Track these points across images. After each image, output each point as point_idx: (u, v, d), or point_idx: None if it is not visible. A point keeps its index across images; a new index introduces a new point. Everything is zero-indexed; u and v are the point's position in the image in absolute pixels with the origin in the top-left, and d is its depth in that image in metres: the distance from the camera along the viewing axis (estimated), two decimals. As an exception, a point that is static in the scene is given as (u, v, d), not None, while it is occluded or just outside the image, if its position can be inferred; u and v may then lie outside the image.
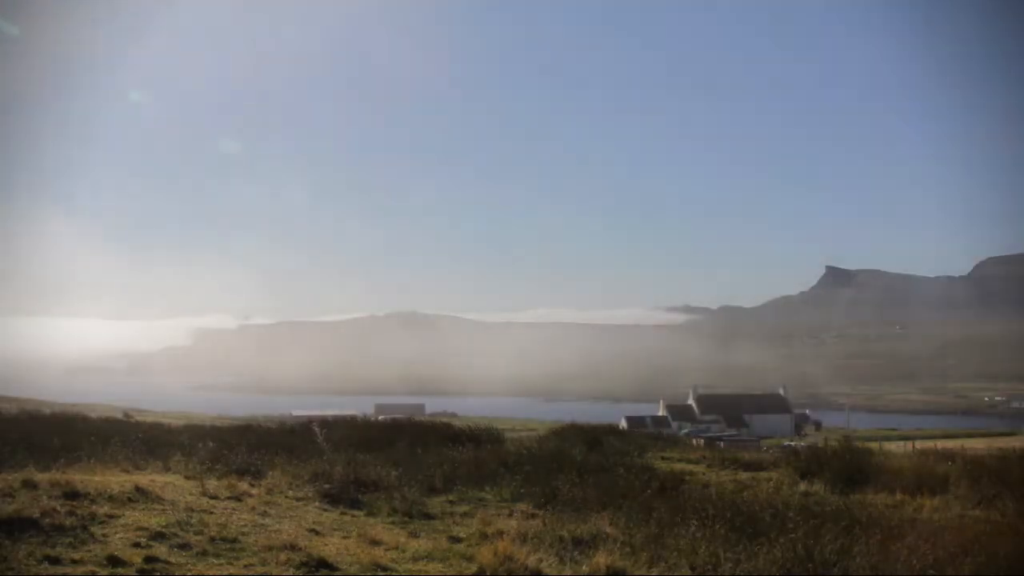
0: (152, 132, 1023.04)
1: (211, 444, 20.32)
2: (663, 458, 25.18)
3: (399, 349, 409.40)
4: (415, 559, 10.53)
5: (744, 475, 21.18)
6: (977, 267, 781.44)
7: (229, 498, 13.28)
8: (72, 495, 11.67)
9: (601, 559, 10.17)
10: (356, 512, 13.77)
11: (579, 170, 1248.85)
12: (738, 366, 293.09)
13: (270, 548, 10.19)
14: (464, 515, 14.21)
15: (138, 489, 12.59)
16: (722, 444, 46.62)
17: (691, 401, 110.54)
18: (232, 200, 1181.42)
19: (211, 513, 11.96)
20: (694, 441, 45.04)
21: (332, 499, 14.40)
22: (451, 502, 15.53)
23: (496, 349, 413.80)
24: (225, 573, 9.25)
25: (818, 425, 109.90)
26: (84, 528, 10.23)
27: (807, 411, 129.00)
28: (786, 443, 60.58)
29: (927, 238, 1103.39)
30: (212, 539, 10.45)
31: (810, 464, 20.44)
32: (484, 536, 11.87)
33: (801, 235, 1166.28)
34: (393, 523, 13.08)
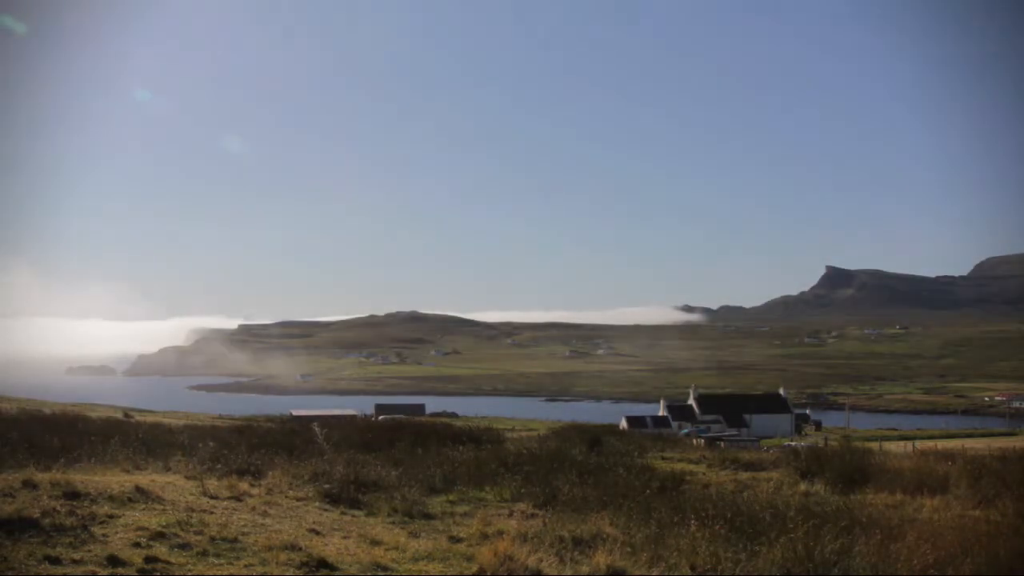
0: (155, 131, 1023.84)
1: (211, 444, 20.36)
2: (663, 458, 25.22)
3: (400, 349, 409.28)
4: (415, 559, 10.54)
5: (744, 475, 21.20)
6: (977, 267, 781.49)
7: (229, 498, 13.29)
8: (72, 495, 11.68)
9: (601, 559, 10.18)
10: (356, 512, 13.77)
11: (579, 170, 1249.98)
12: (738, 366, 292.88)
13: (270, 548, 10.19)
14: (464, 515, 14.22)
15: (138, 489, 12.61)
16: (722, 444, 46.71)
17: (691, 401, 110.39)
18: (233, 200, 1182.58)
19: (211, 513, 11.97)
20: (694, 441, 45.13)
21: (332, 499, 14.41)
22: (451, 502, 15.54)
23: (496, 349, 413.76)
24: (225, 573, 9.26)
25: (818, 425, 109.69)
26: (84, 528, 10.24)
27: (807, 411, 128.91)
28: (786, 443, 60.61)
29: (927, 238, 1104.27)
30: (212, 539, 10.45)
31: (810, 464, 20.46)
32: (484, 536, 11.88)
33: (801, 235, 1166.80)
34: (393, 523, 13.09)
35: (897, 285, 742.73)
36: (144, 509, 11.64)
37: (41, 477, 12.59)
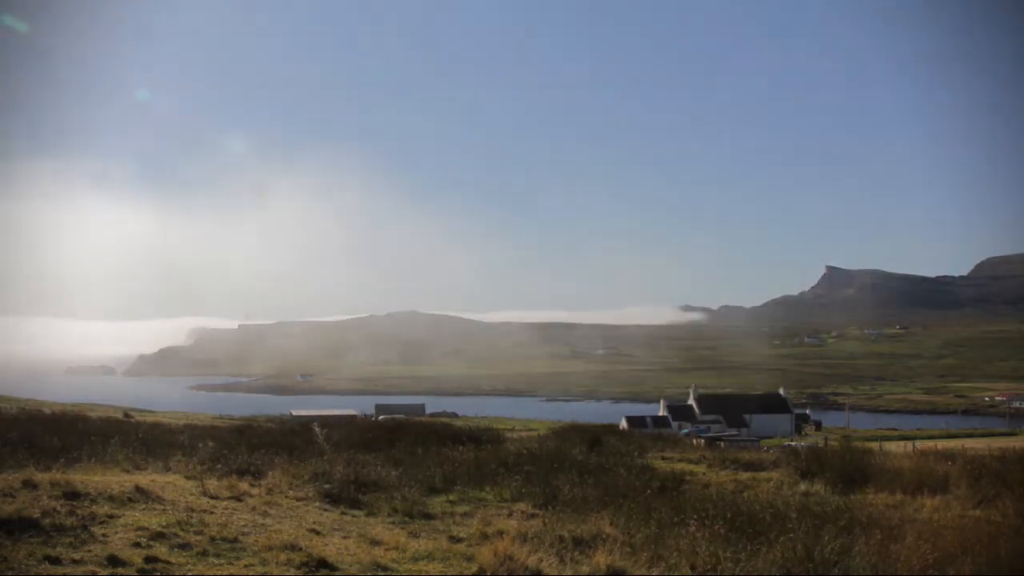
0: (156, 131, 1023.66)
1: (211, 444, 20.35)
2: (663, 458, 25.22)
3: (400, 349, 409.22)
4: (415, 559, 10.53)
5: (744, 475, 21.20)
6: (977, 267, 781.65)
7: (229, 498, 13.29)
8: (72, 495, 11.68)
9: (601, 559, 10.17)
10: (356, 512, 13.77)
11: (579, 170, 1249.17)
12: (738, 366, 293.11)
13: (270, 548, 10.19)
14: (464, 515, 14.22)
15: (138, 489, 12.61)
16: (722, 444, 46.71)
17: (691, 401, 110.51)
18: (233, 199, 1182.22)
19: (211, 513, 11.97)
20: (694, 441, 45.12)
21: (332, 499, 14.41)
22: (451, 502, 15.54)
23: (496, 349, 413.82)
24: (225, 573, 9.25)
25: (818, 425, 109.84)
26: (84, 528, 10.24)
27: (807, 411, 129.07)
28: (786, 443, 60.69)
29: (927, 238, 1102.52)
30: (212, 539, 10.45)
31: (810, 464, 20.45)
32: (484, 536, 11.88)
33: (801, 235, 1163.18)
34: (393, 523, 13.08)
35: (897, 285, 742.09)
36: (144, 509, 11.64)
37: (41, 477, 12.58)
